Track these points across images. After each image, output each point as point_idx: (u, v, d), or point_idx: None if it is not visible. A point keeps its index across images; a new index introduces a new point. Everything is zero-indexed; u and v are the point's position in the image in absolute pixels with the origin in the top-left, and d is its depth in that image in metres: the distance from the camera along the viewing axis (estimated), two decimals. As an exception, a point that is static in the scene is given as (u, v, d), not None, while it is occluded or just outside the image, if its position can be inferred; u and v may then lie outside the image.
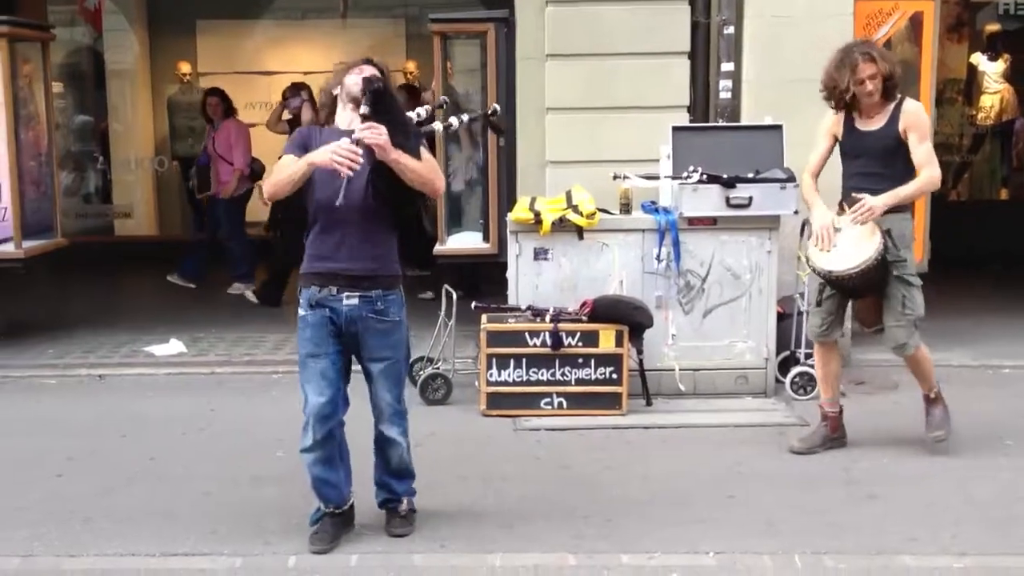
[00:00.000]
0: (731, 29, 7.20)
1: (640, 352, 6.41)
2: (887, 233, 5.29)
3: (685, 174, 6.52)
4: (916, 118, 5.38)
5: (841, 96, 5.34)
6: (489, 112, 4.72)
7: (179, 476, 5.41)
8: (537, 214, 6.57)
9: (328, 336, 4.40)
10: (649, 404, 6.47)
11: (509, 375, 6.34)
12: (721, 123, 7.24)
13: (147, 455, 5.74)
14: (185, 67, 13.37)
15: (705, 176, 6.47)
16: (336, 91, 4.48)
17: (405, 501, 4.70)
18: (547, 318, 6.36)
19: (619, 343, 6.31)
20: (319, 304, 4.40)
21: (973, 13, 12.79)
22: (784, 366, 6.77)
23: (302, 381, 4.44)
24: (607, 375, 6.31)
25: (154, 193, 13.84)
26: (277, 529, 4.69)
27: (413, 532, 4.65)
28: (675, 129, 6.81)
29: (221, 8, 13.67)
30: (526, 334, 6.34)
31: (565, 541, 4.56)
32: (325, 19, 13.66)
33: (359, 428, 4.65)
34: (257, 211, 10.50)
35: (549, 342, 6.30)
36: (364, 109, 4.19)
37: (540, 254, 6.63)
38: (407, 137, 4.30)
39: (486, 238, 7.53)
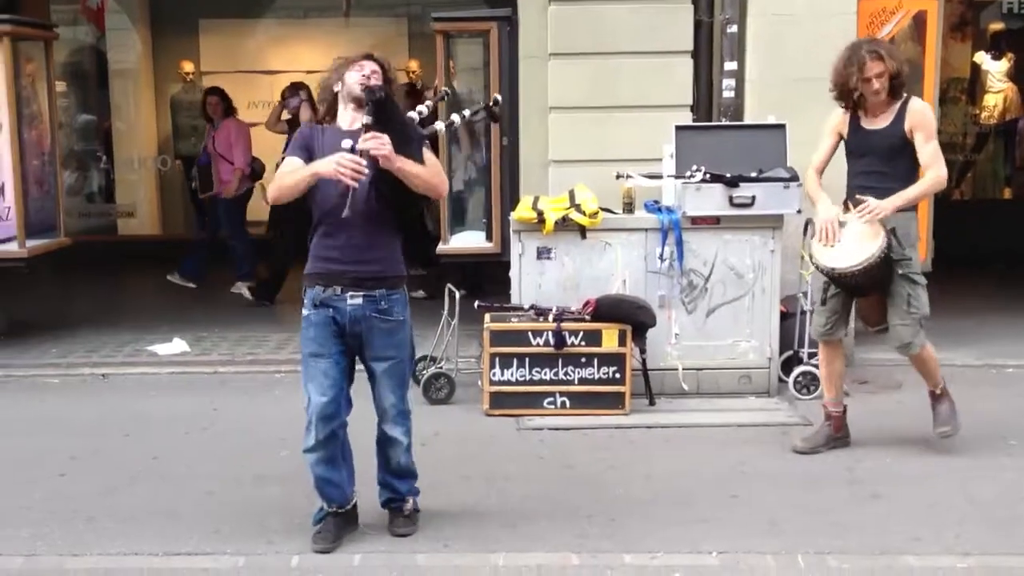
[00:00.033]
0: (734, 28, 7.20)
1: (643, 351, 6.40)
2: (892, 232, 5.28)
3: (688, 173, 6.52)
4: (922, 117, 5.37)
5: (850, 94, 5.34)
6: (491, 103, 4.71)
7: (182, 475, 5.41)
8: (540, 213, 6.57)
9: (331, 336, 4.40)
10: (652, 404, 6.47)
11: (512, 374, 6.34)
12: (724, 122, 7.23)
13: (150, 454, 5.74)
14: (188, 66, 13.38)
15: (708, 175, 6.47)
16: (337, 88, 4.47)
17: (409, 501, 4.70)
18: (550, 317, 6.35)
19: (622, 342, 6.30)
20: (323, 304, 4.40)
21: (977, 12, 12.79)
22: (787, 365, 6.76)
23: (304, 381, 4.44)
24: (610, 374, 6.31)
25: (157, 192, 13.85)
26: (280, 528, 4.69)
27: (416, 532, 4.65)
28: (678, 128, 6.80)
29: (224, 7, 13.68)
30: (529, 333, 6.34)
31: (568, 541, 4.56)
32: (328, 18, 13.67)
33: (363, 428, 4.64)
34: (258, 210, 10.50)
35: (552, 341, 6.30)
36: (367, 119, 4.19)
37: (543, 253, 6.63)
38: (410, 143, 4.30)
39: (489, 237, 7.52)
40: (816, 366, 6.43)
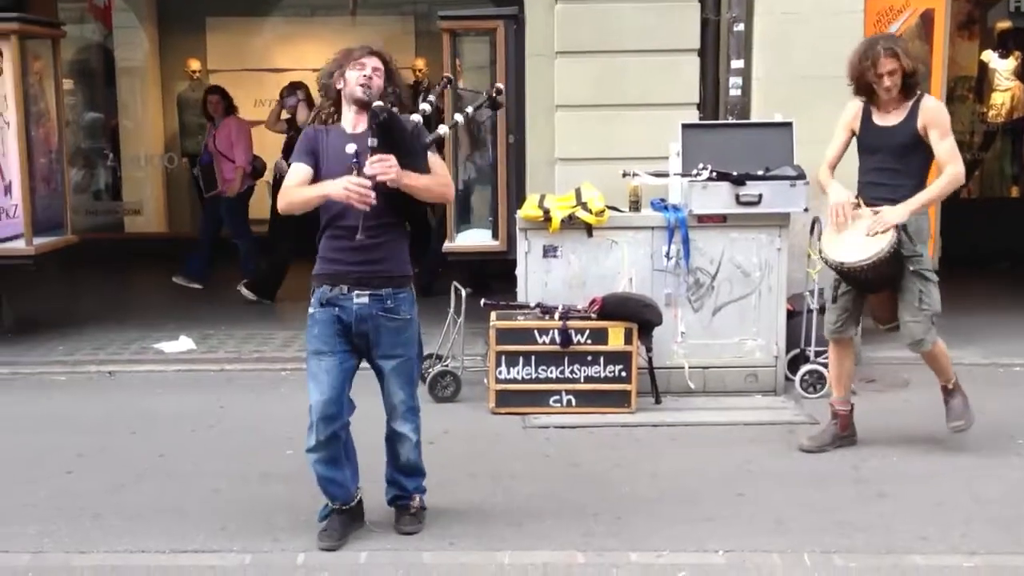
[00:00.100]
0: (741, 26, 7.19)
1: (649, 350, 6.40)
2: (903, 228, 5.27)
3: (695, 171, 6.51)
4: (936, 115, 5.35)
5: (867, 88, 5.33)
6: (494, 93, 4.69)
7: (188, 473, 5.42)
8: (546, 211, 6.57)
9: (336, 334, 4.41)
10: (658, 402, 6.47)
11: (518, 373, 6.33)
12: (731, 120, 7.23)
13: (156, 452, 5.75)
14: (195, 64, 13.41)
15: (715, 173, 6.46)
16: (340, 85, 4.47)
17: (416, 499, 4.71)
18: (556, 316, 6.35)
19: (628, 341, 6.30)
20: (329, 303, 4.41)
21: (984, 10, 12.74)
22: (794, 364, 6.76)
23: (309, 379, 4.45)
24: (616, 373, 6.31)
25: (164, 190, 13.88)
26: (286, 526, 4.69)
27: (422, 530, 4.65)
28: (685, 126, 6.80)
29: (231, 5, 13.71)
30: (535, 331, 6.34)
31: (574, 539, 4.56)
32: (334, 16, 13.69)
33: (367, 426, 4.65)
34: (260, 209, 10.51)
35: (558, 340, 6.29)
36: (372, 141, 4.20)
37: (549, 251, 6.63)
38: (415, 156, 4.32)
39: (495, 235, 7.53)
40: (823, 365, 6.45)
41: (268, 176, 10.24)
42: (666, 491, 5.13)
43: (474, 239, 7.68)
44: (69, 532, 4.67)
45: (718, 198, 6.49)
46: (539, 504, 4.96)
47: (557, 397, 6.34)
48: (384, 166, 4.18)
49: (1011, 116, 12.51)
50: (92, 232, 12.34)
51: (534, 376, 6.33)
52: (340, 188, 4.18)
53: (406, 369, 4.53)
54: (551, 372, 6.33)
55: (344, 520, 4.56)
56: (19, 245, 7.96)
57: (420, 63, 12.98)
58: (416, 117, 4.36)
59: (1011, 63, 12.33)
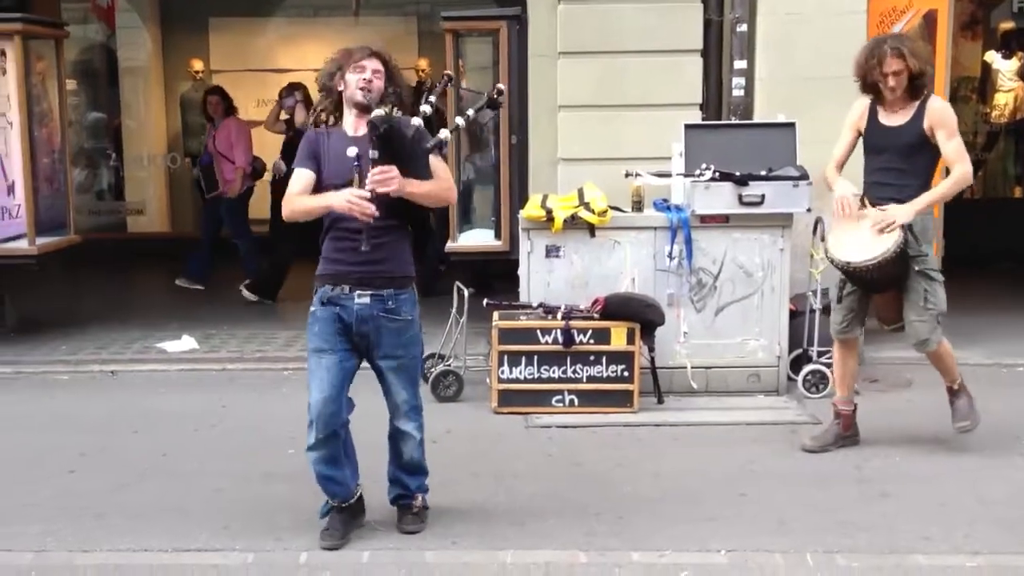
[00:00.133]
0: (744, 27, 7.19)
1: (652, 350, 6.40)
2: (908, 228, 5.26)
3: (698, 172, 6.51)
4: (942, 115, 5.34)
5: (873, 87, 5.33)
6: (495, 94, 4.69)
7: (191, 472, 5.42)
8: (549, 211, 6.57)
9: (336, 333, 4.41)
10: (661, 402, 6.47)
11: (521, 372, 6.34)
12: (734, 121, 7.23)
13: (159, 451, 5.75)
14: (198, 64, 13.41)
15: (718, 174, 6.46)
16: (340, 87, 4.46)
17: (418, 498, 4.71)
18: (559, 315, 6.35)
19: (631, 341, 6.30)
20: (330, 302, 4.42)
21: (987, 11, 12.74)
22: (796, 364, 6.76)
23: (309, 377, 4.45)
24: (619, 373, 6.31)
25: (167, 190, 13.88)
26: (289, 525, 4.69)
27: (425, 529, 4.65)
28: (687, 127, 6.80)
29: (234, 6, 13.71)
30: (538, 331, 6.34)
31: (576, 538, 4.55)
32: (337, 17, 13.68)
33: (367, 424, 4.65)
34: (260, 209, 10.51)
35: (561, 339, 6.29)
36: (373, 154, 4.21)
37: (552, 251, 6.63)
38: (417, 163, 4.32)
39: (498, 235, 7.54)
40: (825, 365, 6.45)
41: (267, 176, 10.23)
42: (668, 491, 5.13)
43: (477, 239, 7.69)
44: (72, 531, 4.68)
45: (721, 198, 6.49)
46: (541, 503, 4.96)
47: (559, 397, 6.33)
48: (385, 178, 4.20)
49: (1014, 117, 12.52)
50: (95, 232, 12.35)
51: (536, 376, 6.33)
52: (343, 201, 4.21)
53: (408, 370, 4.54)
54: (553, 372, 6.33)
55: (344, 518, 4.57)
56: (22, 245, 7.97)
57: (423, 63, 12.99)
58: (416, 121, 4.35)
59: (1014, 64, 12.33)
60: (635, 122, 7.25)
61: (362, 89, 4.37)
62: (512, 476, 5.32)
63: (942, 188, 5.39)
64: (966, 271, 8.79)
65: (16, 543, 4.56)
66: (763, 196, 6.46)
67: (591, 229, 6.58)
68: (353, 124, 4.45)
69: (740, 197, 6.47)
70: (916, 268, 5.33)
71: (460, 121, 4.63)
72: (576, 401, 6.33)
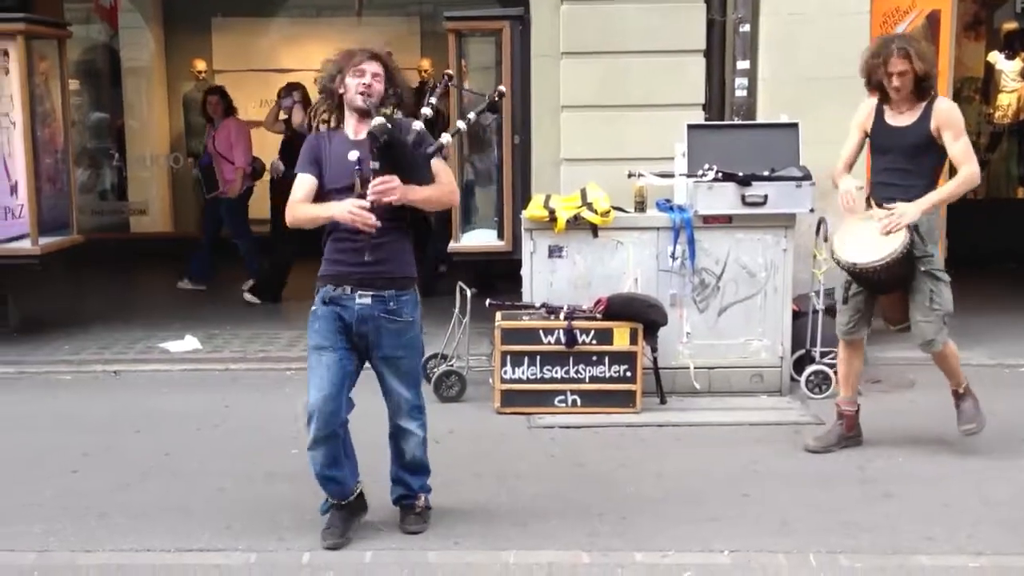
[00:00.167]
0: (747, 27, 7.20)
1: (654, 350, 6.40)
2: (914, 228, 5.26)
3: (700, 172, 6.51)
4: (949, 116, 5.33)
5: (879, 85, 5.33)
6: (496, 96, 4.69)
7: (193, 472, 5.42)
8: (552, 212, 6.57)
9: (336, 331, 4.41)
10: (663, 402, 6.46)
11: (523, 372, 6.33)
12: (736, 121, 7.23)
13: (162, 451, 5.76)
14: (200, 64, 13.40)
15: (720, 174, 6.46)
16: (341, 91, 4.46)
17: (421, 498, 4.71)
18: (561, 316, 6.35)
19: (633, 341, 6.30)
20: (331, 301, 4.43)
21: (990, 11, 12.72)
22: (799, 364, 6.75)
23: (308, 375, 4.45)
24: (621, 373, 6.30)
25: (169, 190, 13.88)
26: (291, 525, 4.69)
27: (428, 529, 4.65)
28: (690, 127, 6.79)
29: (236, 6, 13.70)
30: (540, 331, 6.33)
31: (579, 539, 4.55)
32: (340, 17, 13.67)
33: (366, 424, 4.64)
34: (260, 209, 10.52)
35: (563, 340, 6.29)
36: (374, 165, 4.22)
37: (555, 252, 6.63)
38: (419, 170, 4.34)
39: (501, 235, 7.53)
40: (828, 365, 6.44)
41: (266, 176, 10.23)
42: (671, 491, 5.12)
43: (479, 239, 7.69)
44: (75, 531, 4.68)
45: (724, 199, 6.48)
46: (544, 504, 4.96)
47: (562, 397, 6.33)
48: (387, 188, 4.22)
49: (1017, 117, 12.51)
50: (98, 232, 12.35)
51: (539, 376, 6.33)
52: (344, 212, 4.23)
53: (408, 370, 4.54)
54: (556, 372, 6.33)
55: (344, 515, 4.57)
56: (25, 245, 7.97)
57: (426, 64, 12.97)
58: (417, 125, 4.35)
59: (1017, 64, 12.33)
60: (638, 122, 7.26)
61: (362, 94, 4.37)
62: (515, 476, 5.32)
63: (949, 188, 5.38)
64: (969, 272, 8.77)
65: (19, 543, 4.56)
66: (766, 196, 6.45)
67: (594, 229, 6.58)
68: (354, 128, 4.45)
69: (743, 197, 6.46)
70: (922, 269, 5.33)
71: (462, 125, 4.63)
72: (579, 401, 6.32)
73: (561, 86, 7.38)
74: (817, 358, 6.64)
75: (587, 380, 6.32)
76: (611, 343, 6.30)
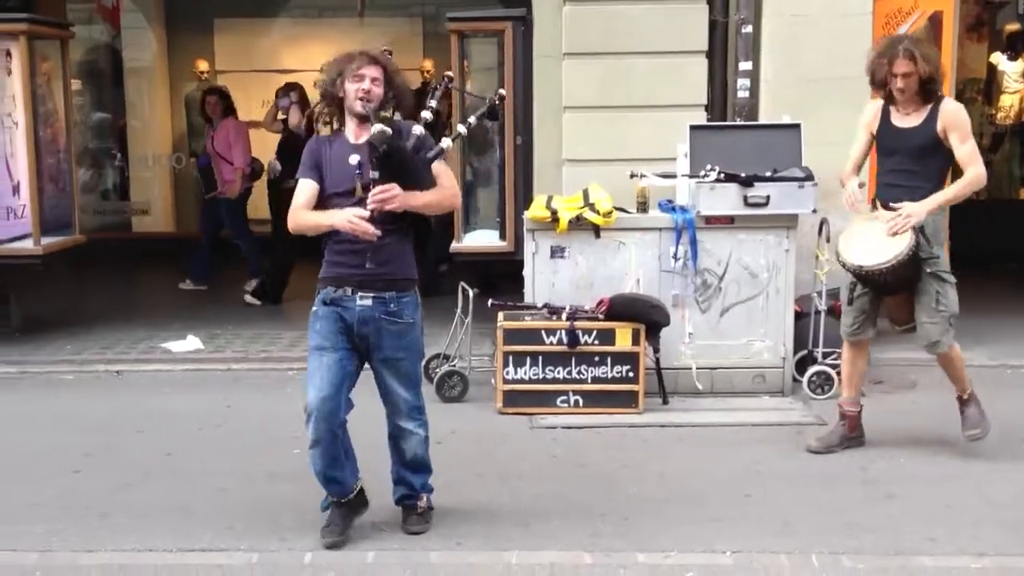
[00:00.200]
0: (749, 28, 7.20)
1: (657, 350, 6.39)
2: (920, 230, 5.25)
3: (702, 173, 6.51)
4: (955, 117, 5.32)
5: (883, 85, 5.33)
6: (496, 100, 4.69)
7: (195, 472, 5.42)
8: (554, 212, 6.57)
9: (337, 332, 4.42)
10: (666, 402, 6.46)
11: (525, 373, 6.33)
12: (739, 122, 7.23)
13: (164, 451, 5.76)
14: (203, 65, 13.42)
15: (723, 175, 6.46)
16: (341, 94, 4.46)
17: (423, 498, 4.71)
18: (563, 316, 6.35)
19: (636, 341, 6.30)
20: (332, 303, 4.43)
21: (993, 13, 12.72)
22: (801, 365, 6.75)
23: (308, 374, 4.45)
24: (623, 373, 6.30)
25: (171, 190, 13.90)
26: (293, 525, 4.69)
27: (429, 530, 4.65)
28: (692, 128, 6.80)
29: (239, 6, 13.71)
30: (542, 332, 6.33)
31: (581, 539, 4.55)
32: (342, 17, 13.68)
33: (365, 424, 4.64)
34: (260, 209, 10.52)
35: (565, 340, 6.29)
36: (374, 174, 4.24)
37: (557, 252, 6.63)
38: (419, 176, 4.34)
39: (503, 236, 7.53)
40: (830, 366, 6.44)
41: (264, 176, 10.23)
42: (673, 492, 5.12)
43: (481, 240, 7.69)
44: (76, 531, 4.68)
45: (726, 199, 6.48)
46: (546, 504, 4.96)
47: (564, 397, 6.33)
48: (386, 196, 4.23)
49: (1019, 118, 12.50)
50: (100, 232, 12.37)
51: (541, 376, 6.33)
52: (345, 221, 4.25)
53: (408, 372, 4.55)
54: (558, 372, 6.33)
55: (344, 512, 4.57)
56: (27, 245, 7.97)
57: (428, 64, 12.98)
58: (418, 129, 4.34)
59: (1020, 65, 12.32)
60: (640, 123, 7.26)
61: (361, 99, 4.37)
62: (517, 477, 5.32)
63: (955, 189, 5.37)
64: (971, 273, 8.75)
65: (21, 543, 4.56)
66: (768, 197, 6.45)
67: (596, 230, 6.57)
68: (354, 132, 4.46)
69: (745, 198, 6.46)
70: (928, 270, 5.32)
71: (462, 129, 4.63)
72: (581, 402, 6.32)
73: (563, 87, 7.38)
74: (819, 359, 6.64)
75: (589, 380, 6.32)
76: (613, 344, 6.30)
